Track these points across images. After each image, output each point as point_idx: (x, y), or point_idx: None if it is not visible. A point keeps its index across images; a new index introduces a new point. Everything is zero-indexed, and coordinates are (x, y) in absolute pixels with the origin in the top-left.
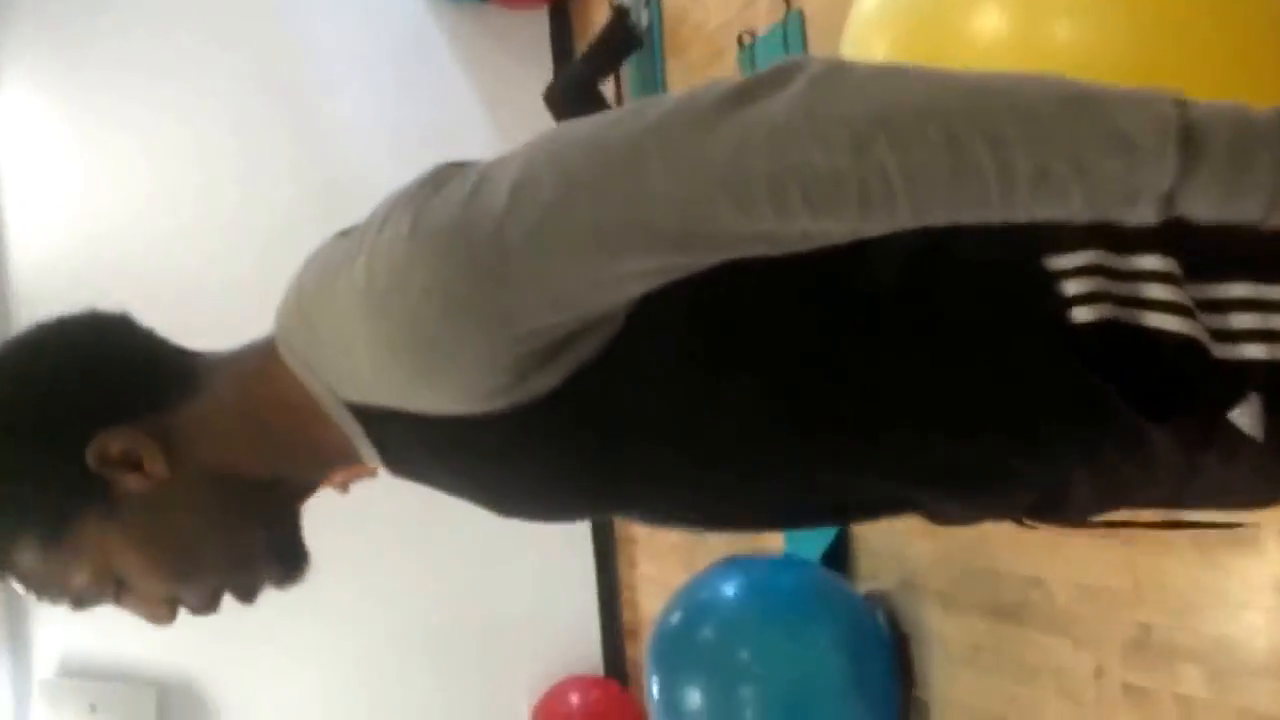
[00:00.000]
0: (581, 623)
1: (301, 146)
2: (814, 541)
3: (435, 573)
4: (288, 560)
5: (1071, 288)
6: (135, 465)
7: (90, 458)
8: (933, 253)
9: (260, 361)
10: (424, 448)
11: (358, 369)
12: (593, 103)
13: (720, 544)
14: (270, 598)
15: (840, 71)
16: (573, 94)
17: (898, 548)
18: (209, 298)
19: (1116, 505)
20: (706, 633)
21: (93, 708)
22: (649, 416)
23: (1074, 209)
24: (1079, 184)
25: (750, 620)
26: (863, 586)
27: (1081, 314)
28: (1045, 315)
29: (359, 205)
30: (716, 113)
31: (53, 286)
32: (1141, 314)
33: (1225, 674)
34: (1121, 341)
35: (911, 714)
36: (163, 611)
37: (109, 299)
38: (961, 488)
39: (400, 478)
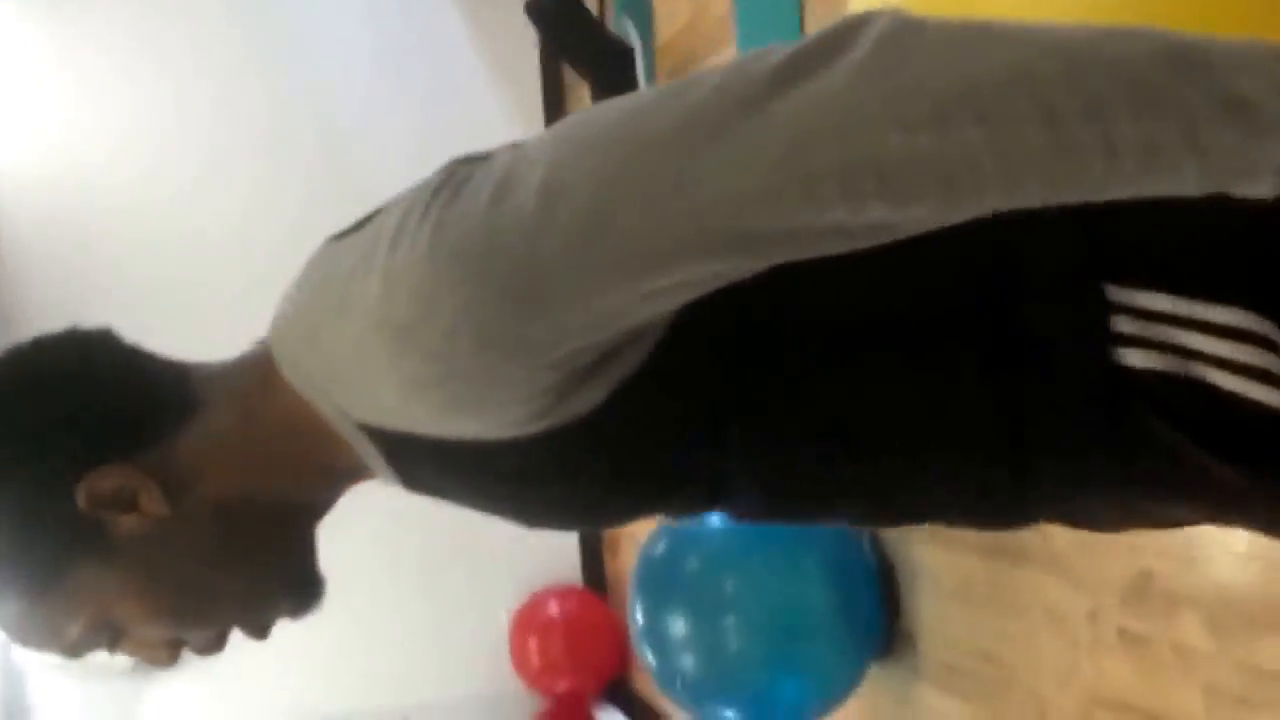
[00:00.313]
0: (560, 534)
1: (277, 69)
2: None
3: None
4: (303, 591)
5: (1124, 325)
6: (130, 504)
7: (80, 500)
8: (977, 259)
9: (258, 379)
10: (447, 469)
11: (375, 398)
12: (577, 15)
13: None
14: None
15: (911, 30)
16: (557, 5)
17: None
18: (184, 234)
19: (1140, 527)
20: (691, 562)
21: None
22: (676, 421)
23: (1185, 184)
24: (1192, 157)
25: (735, 549)
26: None
27: (1134, 358)
28: (1088, 345)
29: (334, 133)
30: (770, 88)
31: (30, 207)
32: (1211, 371)
33: (1227, 626)
34: (1188, 398)
35: (897, 645)
36: (163, 654)
37: (85, 230)
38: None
39: (417, 494)
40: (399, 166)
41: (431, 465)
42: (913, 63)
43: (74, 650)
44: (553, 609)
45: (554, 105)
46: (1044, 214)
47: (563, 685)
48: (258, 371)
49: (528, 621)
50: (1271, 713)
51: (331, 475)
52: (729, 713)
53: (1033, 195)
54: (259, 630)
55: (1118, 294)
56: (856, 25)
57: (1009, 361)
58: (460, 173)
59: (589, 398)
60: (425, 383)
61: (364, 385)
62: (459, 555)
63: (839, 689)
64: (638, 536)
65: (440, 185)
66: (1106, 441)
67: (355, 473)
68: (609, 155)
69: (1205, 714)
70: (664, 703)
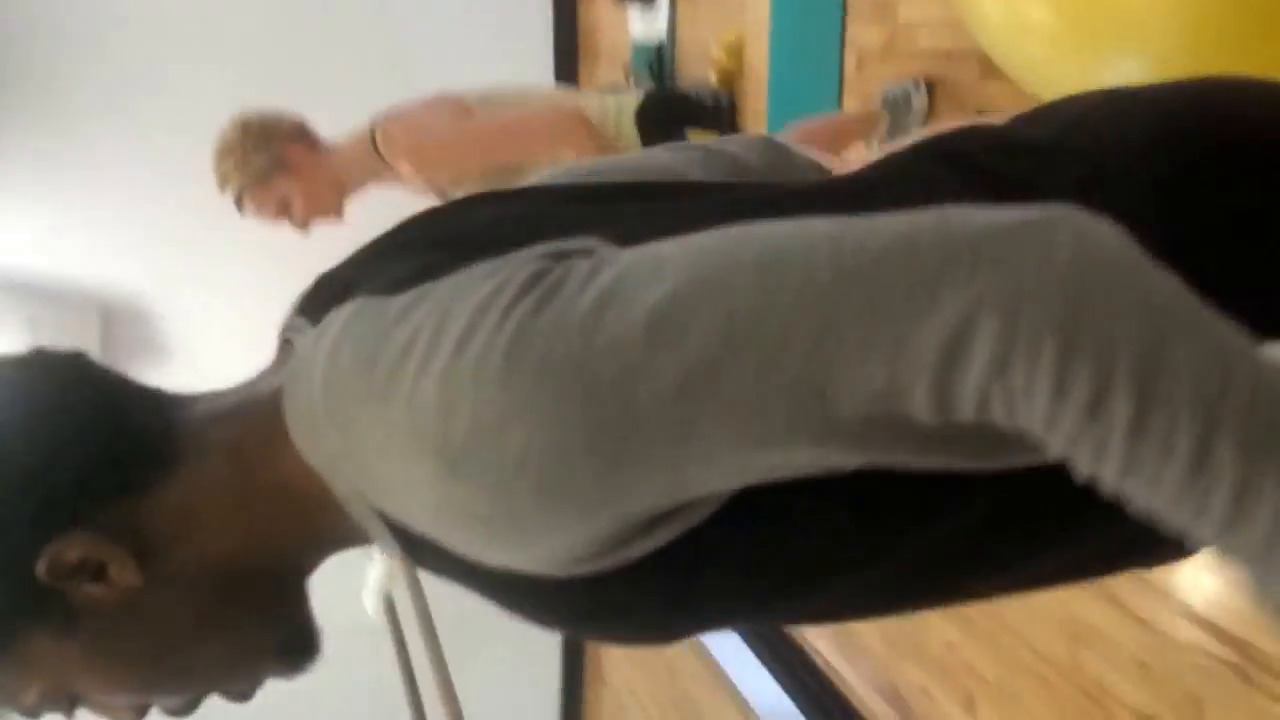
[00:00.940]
0: None
1: None
2: None
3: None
4: (295, 655)
5: None
6: (97, 573)
7: (41, 570)
8: None
9: (260, 432)
10: (464, 578)
11: (403, 502)
12: None
13: None
14: (224, 223)
15: (1105, 266)
16: None
17: None
18: None
19: None
20: None
21: (32, 322)
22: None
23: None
24: None
25: None
26: None
27: None
28: None
29: None
30: (939, 277)
31: None
32: None
33: None
34: None
35: None
36: (127, 717)
37: None
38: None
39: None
40: None
41: (447, 569)
42: (1097, 311)
43: (32, 713)
44: None
45: None
46: None
47: None
48: (261, 424)
49: None
50: None
51: (329, 544)
52: None
53: (1138, 497)
54: (241, 696)
55: None
56: (1057, 226)
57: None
58: (553, 272)
59: (646, 545)
60: (469, 513)
61: (394, 488)
62: None
63: None
64: None
65: (527, 283)
66: None
67: (355, 540)
68: (740, 299)
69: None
70: None
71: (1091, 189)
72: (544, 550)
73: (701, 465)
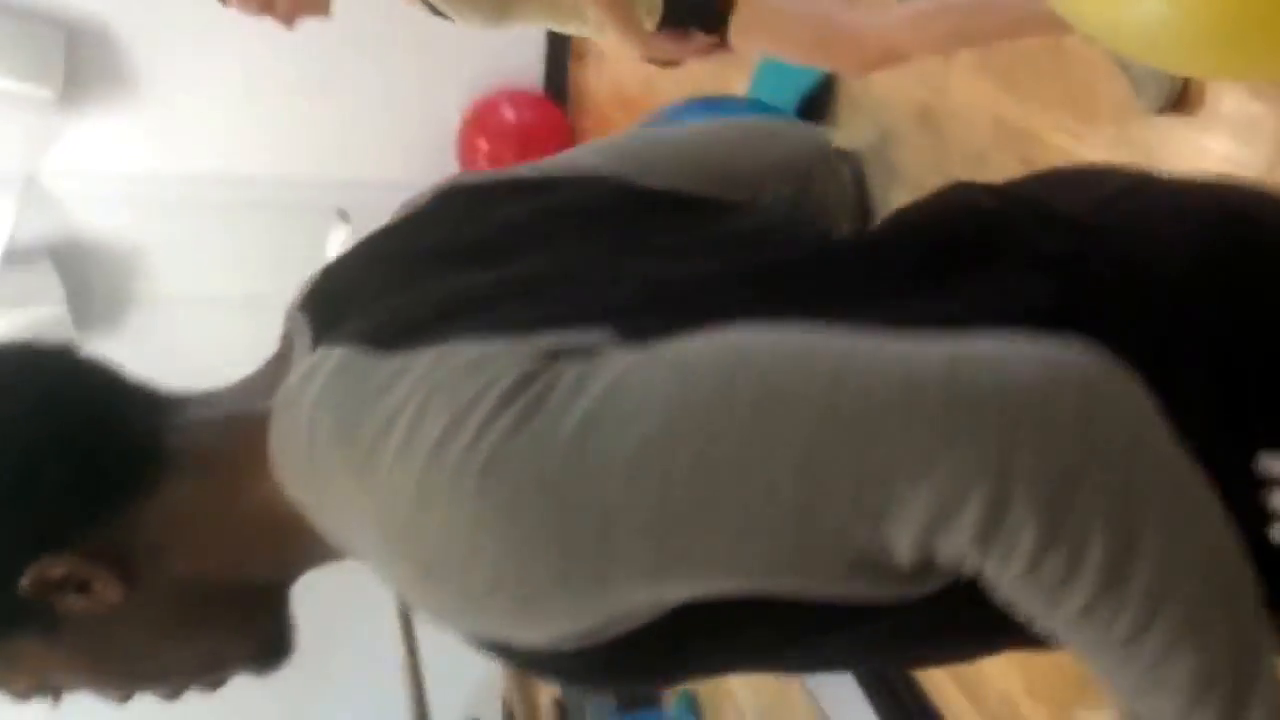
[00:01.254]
0: (525, 35)
1: None
2: (787, 88)
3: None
4: (268, 659)
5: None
6: (81, 587)
7: (25, 585)
8: None
9: (250, 461)
10: (450, 630)
11: (384, 575)
12: None
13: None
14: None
15: (1101, 448)
16: None
17: (884, 97)
18: None
19: None
20: None
21: None
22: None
23: None
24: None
25: None
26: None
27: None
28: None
29: None
30: (938, 443)
31: None
32: None
33: None
34: None
35: None
36: (115, 698)
37: None
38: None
39: None
40: None
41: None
42: (1091, 496)
43: (23, 698)
44: (508, 113)
45: None
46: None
47: None
48: (249, 447)
49: (480, 121)
50: None
51: (311, 562)
52: None
53: (1064, 640)
54: (214, 686)
55: (1273, 464)
56: (1066, 389)
57: None
58: (540, 379)
59: (625, 626)
60: (441, 610)
61: (372, 560)
62: (418, 37)
63: None
64: (606, 54)
65: (511, 391)
66: None
67: (336, 559)
68: (724, 444)
69: None
70: None
71: (1129, 276)
72: (522, 640)
73: (673, 592)
